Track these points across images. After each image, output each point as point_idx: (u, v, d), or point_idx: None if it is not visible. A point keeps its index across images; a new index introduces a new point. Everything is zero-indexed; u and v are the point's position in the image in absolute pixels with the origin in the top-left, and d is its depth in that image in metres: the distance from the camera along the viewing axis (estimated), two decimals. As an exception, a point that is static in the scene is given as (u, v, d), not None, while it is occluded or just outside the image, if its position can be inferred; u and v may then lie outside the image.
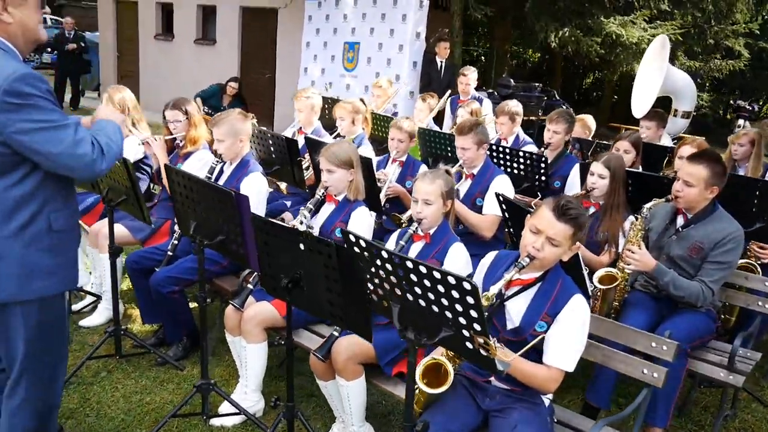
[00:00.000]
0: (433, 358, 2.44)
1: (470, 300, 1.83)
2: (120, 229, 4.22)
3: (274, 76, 12.35)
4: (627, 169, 4.17)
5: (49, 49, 17.43)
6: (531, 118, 10.04)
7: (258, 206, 3.79)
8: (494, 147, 4.61)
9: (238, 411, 3.28)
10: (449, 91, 6.90)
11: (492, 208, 3.90)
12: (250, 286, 3.32)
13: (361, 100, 5.17)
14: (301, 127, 5.26)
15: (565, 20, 10.06)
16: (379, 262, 2.11)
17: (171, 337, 3.94)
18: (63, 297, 2.53)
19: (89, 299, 4.46)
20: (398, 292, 2.10)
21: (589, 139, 5.94)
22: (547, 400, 2.55)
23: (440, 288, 1.91)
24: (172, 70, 13.74)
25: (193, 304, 4.19)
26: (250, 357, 3.28)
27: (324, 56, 11.19)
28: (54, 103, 2.23)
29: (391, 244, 3.19)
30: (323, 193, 3.49)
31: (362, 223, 3.40)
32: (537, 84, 10.70)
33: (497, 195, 3.57)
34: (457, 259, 2.98)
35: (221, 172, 3.99)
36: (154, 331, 4.13)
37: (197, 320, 4.08)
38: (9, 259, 2.26)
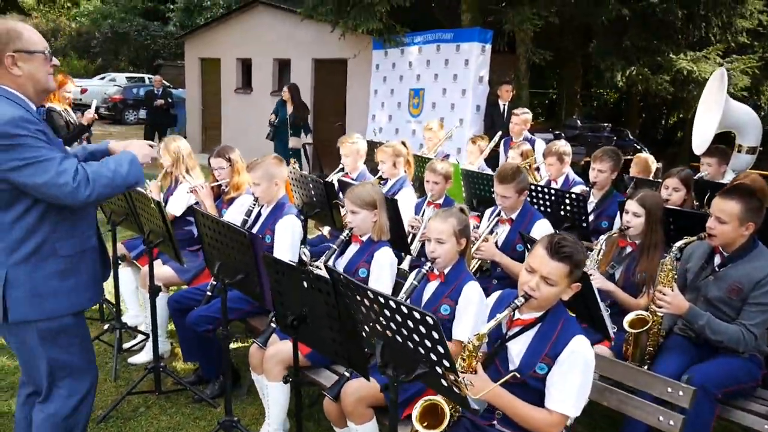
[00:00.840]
0: (429, 399, 2.40)
1: (435, 335, 1.82)
2: (167, 270, 4.45)
3: (344, 124, 12.70)
4: (670, 207, 4.02)
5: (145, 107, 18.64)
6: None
7: (291, 247, 3.90)
8: (533, 187, 4.54)
9: (260, 449, 3.33)
10: (500, 133, 6.87)
11: None
12: (273, 324, 3.39)
13: (403, 143, 5.24)
14: (347, 172, 5.39)
15: (633, 58, 9.83)
16: (358, 298, 2.13)
17: (207, 374, 4.07)
18: (80, 317, 2.73)
19: (141, 337, 4.67)
20: (379, 328, 2.11)
21: (649, 178, 5.74)
22: (551, 445, 2.44)
23: (410, 323, 1.90)
24: (251, 120, 14.40)
25: (232, 345, 4.31)
26: (272, 395, 3.33)
27: (391, 103, 11.46)
28: (45, 140, 2.43)
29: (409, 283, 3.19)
30: (348, 234, 3.55)
31: (384, 262, 3.42)
32: (606, 124, 10.47)
33: (521, 234, 3.52)
34: (470, 299, 2.93)
35: (259, 214, 4.14)
36: (194, 369, 4.27)
37: (234, 359, 4.23)
38: (18, 283, 2.50)
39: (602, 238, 3.73)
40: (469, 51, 9.89)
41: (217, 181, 4.63)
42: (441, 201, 4.64)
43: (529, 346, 2.38)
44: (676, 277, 3.30)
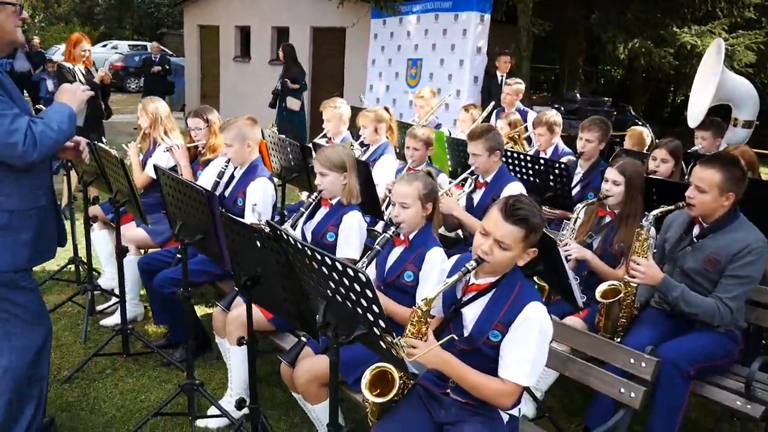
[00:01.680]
0: (379, 365, 2.31)
1: (369, 293, 1.72)
2: (140, 232, 4.37)
3: (342, 94, 12.52)
4: (652, 176, 3.90)
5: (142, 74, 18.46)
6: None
7: (263, 210, 3.79)
8: (514, 155, 4.41)
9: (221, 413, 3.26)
10: (493, 102, 6.71)
11: None
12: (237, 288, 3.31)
13: (386, 108, 5.10)
14: (331, 138, 5.26)
15: (635, 31, 9.59)
16: (299, 255, 2.03)
17: (175, 337, 4.01)
18: (24, 273, 2.66)
19: (115, 300, 4.60)
20: (320, 287, 2.01)
21: (644, 151, 5.59)
22: (506, 415, 2.35)
23: (345, 281, 1.81)
24: (249, 89, 14.24)
25: (203, 310, 4.24)
26: (234, 359, 3.26)
27: (388, 73, 11.28)
28: (2, 95, 2.35)
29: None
30: (316, 197, 3.45)
31: (352, 225, 3.31)
32: (606, 98, 10.25)
33: (493, 199, 3.41)
34: (433, 265, 2.83)
35: (232, 177, 4.03)
36: (165, 332, 4.20)
37: (206, 324, 4.16)
38: None
39: (579, 206, 3.62)
40: (467, 20, 9.68)
41: (194, 141, 4.52)
42: (421, 168, 4.51)
43: (482, 312, 2.28)
44: (652, 247, 3.19)
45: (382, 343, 1.86)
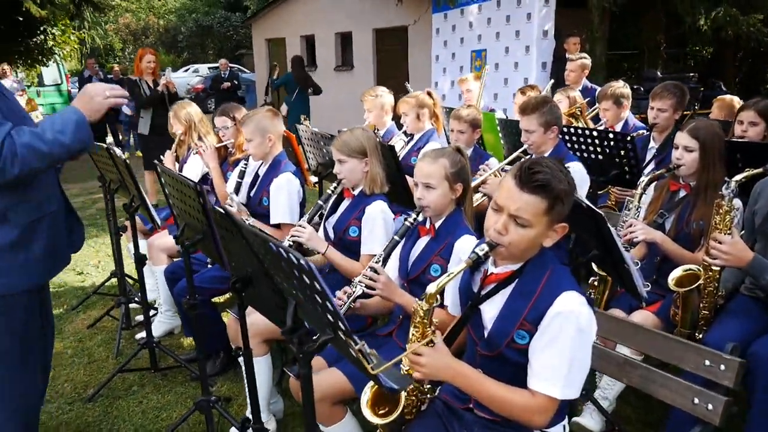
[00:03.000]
0: (381, 376, 1.89)
1: (317, 287, 1.31)
2: (170, 240, 4.13)
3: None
4: (735, 140, 3.28)
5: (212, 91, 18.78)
6: (684, 112, 8.75)
7: (288, 209, 3.47)
8: (564, 130, 3.87)
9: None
10: (551, 81, 6.13)
11: None
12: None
13: (428, 93, 4.68)
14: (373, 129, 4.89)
15: (718, -1, 8.67)
16: (256, 245, 1.65)
17: (205, 349, 3.72)
18: (30, 294, 2.36)
19: (152, 312, 4.40)
20: (285, 283, 1.62)
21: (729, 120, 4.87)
22: (542, 434, 1.87)
23: (295, 272, 1.41)
24: (315, 98, 14.11)
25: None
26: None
27: (453, 68, 10.81)
28: None
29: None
30: (336, 188, 3.08)
31: (375, 215, 2.91)
32: (692, 74, 9.33)
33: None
34: (462, 257, 2.38)
35: (257, 175, 3.74)
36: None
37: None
38: None
39: (644, 179, 3.06)
40: (530, 4, 9.08)
41: (222, 141, 4.27)
42: (469, 152, 4.05)
43: (503, 308, 1.81)
44: (738, 221, 2.60)
45: (352, 351, 1.44)
